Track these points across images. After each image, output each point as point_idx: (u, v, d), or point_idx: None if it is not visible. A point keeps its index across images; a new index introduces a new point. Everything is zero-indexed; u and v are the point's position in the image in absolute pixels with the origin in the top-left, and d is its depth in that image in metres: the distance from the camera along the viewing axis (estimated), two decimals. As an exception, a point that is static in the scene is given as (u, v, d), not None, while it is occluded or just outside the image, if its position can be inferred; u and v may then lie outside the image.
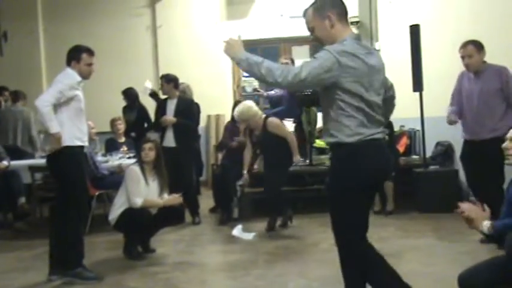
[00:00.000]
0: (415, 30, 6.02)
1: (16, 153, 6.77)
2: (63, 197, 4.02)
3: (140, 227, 4.50)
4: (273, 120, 5.49)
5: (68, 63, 4.04)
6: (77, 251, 4.01)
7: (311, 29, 2.75)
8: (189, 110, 5.97)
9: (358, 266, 2.75)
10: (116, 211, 4.51)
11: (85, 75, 4.06)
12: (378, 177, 2.75)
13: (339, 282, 3.60)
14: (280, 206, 5.49)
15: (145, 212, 4.47)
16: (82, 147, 4.06)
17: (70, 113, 3.94)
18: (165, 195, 4.63)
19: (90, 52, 4.09)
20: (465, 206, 2.52)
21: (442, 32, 6.59)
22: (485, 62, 4.49)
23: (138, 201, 4.43)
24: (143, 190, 4.49)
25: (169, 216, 4.59)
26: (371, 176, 2.61)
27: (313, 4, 2.73)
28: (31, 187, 6.09)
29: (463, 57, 4.48)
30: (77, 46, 4.13)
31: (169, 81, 6.01)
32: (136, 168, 4.57)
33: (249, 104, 5.58)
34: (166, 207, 4.53)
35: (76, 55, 4.03)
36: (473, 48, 4.40)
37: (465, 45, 4.46)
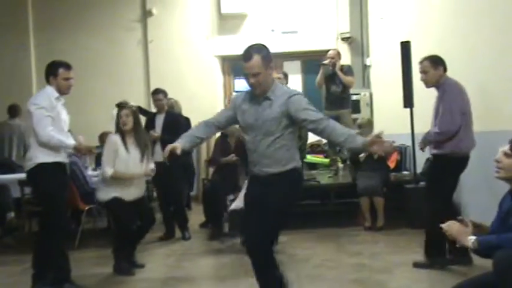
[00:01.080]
0: (406, 47, 6.08)
1: (7, 167, 6.74)
2: (43, 213, 4.07)
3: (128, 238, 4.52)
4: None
5: (47, 79, 4.07)
6: (61, 267, 3.99)
7: (255, 74, 3.05)
8: (177, 124, 5.96)
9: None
10: (104, 193, 4.55)
11: (63, 90, 4.05)
12: None
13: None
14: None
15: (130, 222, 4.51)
16: (59, 163, 4.04)
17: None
18: (149, 164, 4.65)
19: (67, 67, 4.08)
20: (446, 225, 2.56)
21: (433, 49, 6.63)
22: (446, 76, 4.36)
23: (108, 171, 4.45)
24: (123, 158, 4.47)
25: (142, 224, 4.61)
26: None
27: (259, 51, 3.07)
28: (20, 201, 6.04)
29: (420, 73, 4.43)
30: (54, 62, 4.14)
31: (166, 95, 6.03)
32: (116, 137, 4.53)
33: None
34: (136, 209, 4.55)
35: (53, 70, 4.05)
36: (428, 64, 4.35)
37: (421, 61, 4.41)
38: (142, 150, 4.59)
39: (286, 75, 7.42)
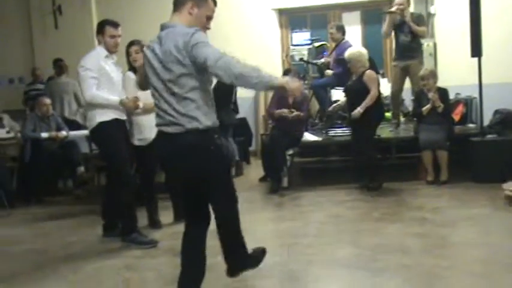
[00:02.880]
0: (474, -7, 5.73)
1: (74, 124, 7.06)
2: (108, 168, 4.27)
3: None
4: (372, 73, 5.64)
5: (98, 39, 4.21)
6: (128, 218, 4.17)
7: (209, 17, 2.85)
8: None
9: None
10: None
11: (110, 48, 4.15)
12: None
13: (392, 251, 3.60)
14: (374, 169, 5.63)
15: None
16: (118, 119, 4.15)
17: (100, 89, 4.06)
18: None
19: (113, 24, 4.16)
20: None
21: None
22: None
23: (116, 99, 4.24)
24: (139, 93, 4.26)
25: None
26: None
27: None
28: (88, 156, 6.34)
29: None
30: (103, 20, 4.26)
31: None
32: (130, 73, 4.50)
33: (362, 51, 5.80)
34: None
35: (100, 28, 4.17)
36: None
37: None
38: None
39: (340, 28, 7.22)
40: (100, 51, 4.14)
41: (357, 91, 5.59)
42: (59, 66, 7.65)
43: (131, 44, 4.55)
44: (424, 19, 7.04)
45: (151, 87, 2.74)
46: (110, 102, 4.08)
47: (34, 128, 6.22)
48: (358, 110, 5.48)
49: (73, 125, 6.79)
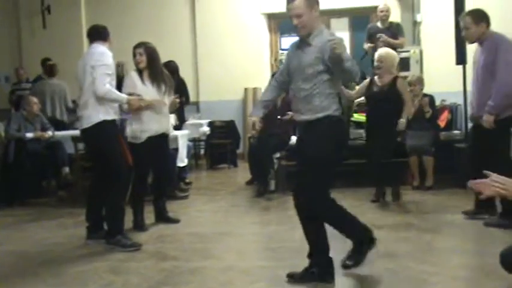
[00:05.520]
0: (459, 1, 5.80)
1: (60, 124, 6.99)
2: (102, 169, 4.20)
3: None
4: (404, 79, 5.42)
5: (101, 39, 4.24)
6: (116, 220, 4.14)
7: (298, 15, 3.06)
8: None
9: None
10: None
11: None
12: None
13: (377, 256, 3.60)
14: (387, 176, 5.35)
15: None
16: (114, 120, 4.20)
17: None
18: (166, 98, 4.71)
19: None
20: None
21: (488, 3, 6.33)
22: (490, 31, 4.25)
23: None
24: (141, 91, 4.49)
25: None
26: None
27: None
28: (74, 157, 6.27)
29: (462, 29, 4.37)
30: (104, 26, 4.35)
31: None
32: (133, 73, 4.64)
33: (395, 54, 5.56)
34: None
35: (107, 33, 4.29)
36: (469, 20, 4.25)
37: (463, 16, 4.35)
38: (158, 84, 4.61)
39: None
40: (107, 51, 4.17)
41: (387, 99, 5.20)
42: (50, 67, 7.57)
43: (137, 46, 4.64)
44: (402, 29, 7.20)
45: None
46: (120, 99, 4.18)
47: (19, 127, 6.14)
48: (403, 121, 5.19)
49: (57, 126, 6.71)
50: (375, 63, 5.34)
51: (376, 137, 5.27)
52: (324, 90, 3.11)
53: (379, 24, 7.23)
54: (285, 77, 3.34)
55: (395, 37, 7.07)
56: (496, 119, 4.15)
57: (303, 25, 3.09)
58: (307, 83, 3.11)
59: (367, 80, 5.52)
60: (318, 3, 3.13)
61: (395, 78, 5.29)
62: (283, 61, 3.45)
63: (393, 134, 5.31)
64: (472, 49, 5.89)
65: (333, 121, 3.15)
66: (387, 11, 7.17)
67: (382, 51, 5.42)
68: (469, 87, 5.87)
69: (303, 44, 3.17)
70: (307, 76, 3.11)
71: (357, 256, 3.34)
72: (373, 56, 6.16)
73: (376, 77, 5.34)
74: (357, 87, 5.72)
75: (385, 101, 5.19)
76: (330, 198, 3.22)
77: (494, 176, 2.15)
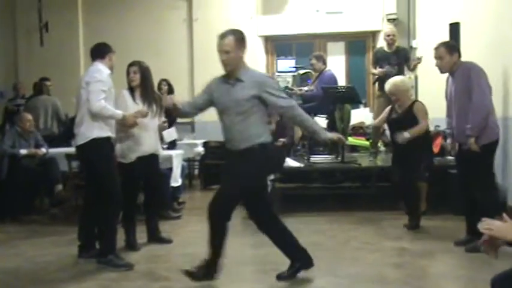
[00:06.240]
0: (455, 29, 5.91)
1: (54, 140, 6.98)
2: (96, 187, 4.17)
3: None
4: (422, 105, 5.32)
5: (100, 57, 4.23)
6: (109, 239, 4.12)
7: (226, 52, 3.46)
8: None
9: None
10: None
11: (112, 67, 4.30)
12: None
13: (370, 281, 3.59)
14: (416, 202, 5.31)
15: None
16: (110, 137, 4.19)
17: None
18: (160, 118, 4.81)
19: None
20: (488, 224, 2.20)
21: (482, 31, 6.44)
22: (460, 61, 4.44)
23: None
24: (131, 110, 4.48)
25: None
26: None
27: (234, 33, 3.52)
28: (67, 174, 6.25)
29: (435, 59, 4.49)
30: (105, 43, 4.35)
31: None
32: (125, 91, 4.67)
33: (403, 78, 5.61)
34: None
35: (108, 50, 4.28)
36: (444, 50, 4.40)
37: (437, 47, 4.48)
38: (149, 103, 4.63)
39: (319, 58, 7.33)
40: (105, 69, 4.18)
41: (405, 124, 5.15)
42: (39, 86, 7.69)
43: (131, 64, 4.69)
44: (410, 53, 7.30)
45: None
46: (115, 116, 4.15)
47: (13, 144, 6.13)
48: (405, 135, 5.06)
49: (50, 142, 6.70)
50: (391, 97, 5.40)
51: (400, 163, 5.33)
52: (257, 120, 3.47)
53: (385, 48, 7.27)
54: (201, 106, 3.71)
55: (403, 62, 7.13)
56: (478, 144, 4.28)
57: (229, 62, 3.46)
58: (241, 115, 3.44)
59: (389, 107, 5.57)
60: (245, 46, 3.53)
61: (413, 103, 5.30)
62: (203, 90, 3.73)
63: (417, 157, 5.27)
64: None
65: (266, 148, 3.50)
66: (394, 35, 7.22)
67: (388, 86, 5.37)
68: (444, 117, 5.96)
69: (231, 79, 3.49)
70: (243, 109, 3.43)
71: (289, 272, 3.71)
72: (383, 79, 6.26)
73: (396, 104, 5.38)
74: (381, 116, 5.75)
75: (404, 126, 5.16)
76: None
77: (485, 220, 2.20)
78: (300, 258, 3.72)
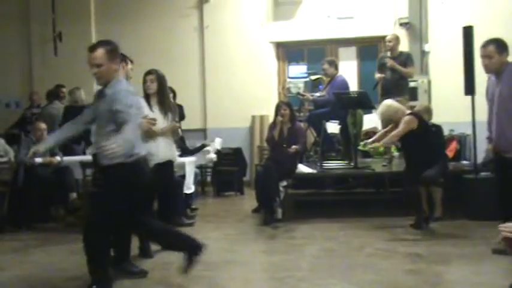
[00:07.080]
0: (468, 32, 5.85)
1: (68, 149, 7.03)
2: None
3: None
4: (408, 117, 5.37)
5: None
6: (123, 247, 4.14)
7: (97, 65, 3.36)
8: None
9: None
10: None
11: (129, 75, 4.40)
12: None
13: (384, 288, 3.55)
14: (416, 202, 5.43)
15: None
16: None
17: None
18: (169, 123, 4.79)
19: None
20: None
21: (496, 34, 6.38)
22: (507, 61, 4.14)
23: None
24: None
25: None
26: None
27: (105, 45, 3.43)
28: (82, 182, 6.29)
29: (482, 58, 4.18)
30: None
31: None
32: (141, 99, 4.59)
33: (388, 103, 5.64)
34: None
35: (123, 59, 4.28)
36: (493, 49, 4.10)
37: (486, 44, 4.16)
38: (165, 111, 4.71)
39: (331, 63, 7.36)
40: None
41: (409, 137, 5.34)
42: (55, 92, 7.73)
43: (148, 73, 4.79)
44: (412, 59, 7.29)
45: None
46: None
47: (28, 152, 6.18)
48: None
49: (65, 150, 6.75)
50: None
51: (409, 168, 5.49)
52: (116, 136, 3.28)
53: (388, 54, 7.30)
54: (89, 120, 3.64)
55: (404, 66, 7.12)
56: None
57: (101, 75, 3.39)
58: (103, 129, 3.42)
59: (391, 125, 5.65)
60: (119, 56, 3.48)
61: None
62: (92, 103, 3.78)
63: (420, 164, 5.34)
64: (480, 79, 5.93)
65: (129, 166, 3.39)
66: (391, 41, 7.26)
67: (379, 115, 5.62)
68: (478, 118, 5.89)
69: (101, 93, 3.46)
70: (102, 123, 3.43)
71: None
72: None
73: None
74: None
75: (407, 139, 5.38)
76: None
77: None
78: (187, 247, 3.70)
